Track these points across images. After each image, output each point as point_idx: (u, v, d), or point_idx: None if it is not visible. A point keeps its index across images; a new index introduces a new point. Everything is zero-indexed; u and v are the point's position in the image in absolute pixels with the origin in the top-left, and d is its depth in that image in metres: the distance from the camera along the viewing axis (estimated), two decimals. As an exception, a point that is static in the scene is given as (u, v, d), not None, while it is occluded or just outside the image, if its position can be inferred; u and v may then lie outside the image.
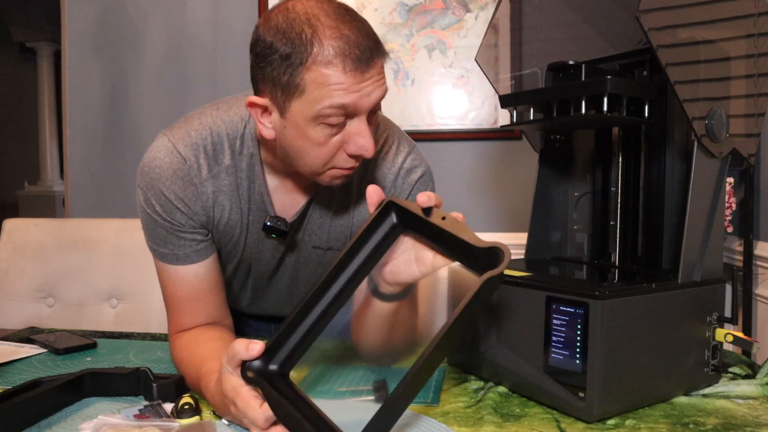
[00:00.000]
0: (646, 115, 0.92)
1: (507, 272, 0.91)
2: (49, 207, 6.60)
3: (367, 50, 0.79)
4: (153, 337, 1.22)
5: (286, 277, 1.10)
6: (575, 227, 1.13)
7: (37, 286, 1.59)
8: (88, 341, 1.13)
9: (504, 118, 2.06)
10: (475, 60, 1.12)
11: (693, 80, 0.83)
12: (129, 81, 2.27)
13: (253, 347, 0.71)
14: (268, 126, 0.86)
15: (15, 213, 6.04)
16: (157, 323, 1.52)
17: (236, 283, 1.13)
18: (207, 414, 0.81)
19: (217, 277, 1.00)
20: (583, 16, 1.10)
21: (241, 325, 1.29)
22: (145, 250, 1.00)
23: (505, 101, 1.02)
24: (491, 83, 1.13)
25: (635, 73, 0.98)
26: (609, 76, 0.85)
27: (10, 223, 1.65)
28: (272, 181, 0.97)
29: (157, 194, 0.93)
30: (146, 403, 0.82)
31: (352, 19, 0.80)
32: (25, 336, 1.19)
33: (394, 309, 0.86)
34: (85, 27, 2.29)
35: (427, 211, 0.73)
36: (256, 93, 0.86)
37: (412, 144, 1.04)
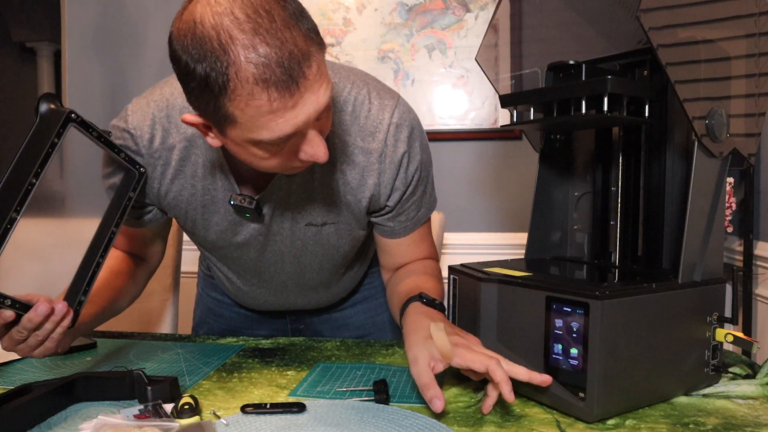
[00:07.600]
0: (647, 114, 0.92)
1: (507, 272, 0.91)
2: (49, 207, 6.60)
3: (292, 64, 0.67)
4: (153, 336, 1.22)
5: (288, 266, 1.08)
6: (575, 227, 1.12)
7: (37, 286, 1.59)
8: (88, 341, 1.13)
9: (504, 118, 2.06)
10: (476, 60, 1.12)
11: (693, 80, 0.83)
12: (129, 81, 2.27)
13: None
14: (212, 137, 0.79)
15: (15, 213, 6.03)
16: (158, 323, 1.52)
17: (239, 279, 1.13)
18: (207, 414, 0.81)
19: (142, 236, 1.08)
20: (583, 16, 1.10)
21: (261, 324, 1.30)
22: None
23: (505, 101, 1.02)
24: (491, 83, 1.13)
25: (635, 73, 0.98)
26: (609, 76, 0.85)
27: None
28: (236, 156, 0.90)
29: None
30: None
31: (269, 24, 0.67)
32: (25, 336, 1.19)
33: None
34: (85, 27, 2.29)
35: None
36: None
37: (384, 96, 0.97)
